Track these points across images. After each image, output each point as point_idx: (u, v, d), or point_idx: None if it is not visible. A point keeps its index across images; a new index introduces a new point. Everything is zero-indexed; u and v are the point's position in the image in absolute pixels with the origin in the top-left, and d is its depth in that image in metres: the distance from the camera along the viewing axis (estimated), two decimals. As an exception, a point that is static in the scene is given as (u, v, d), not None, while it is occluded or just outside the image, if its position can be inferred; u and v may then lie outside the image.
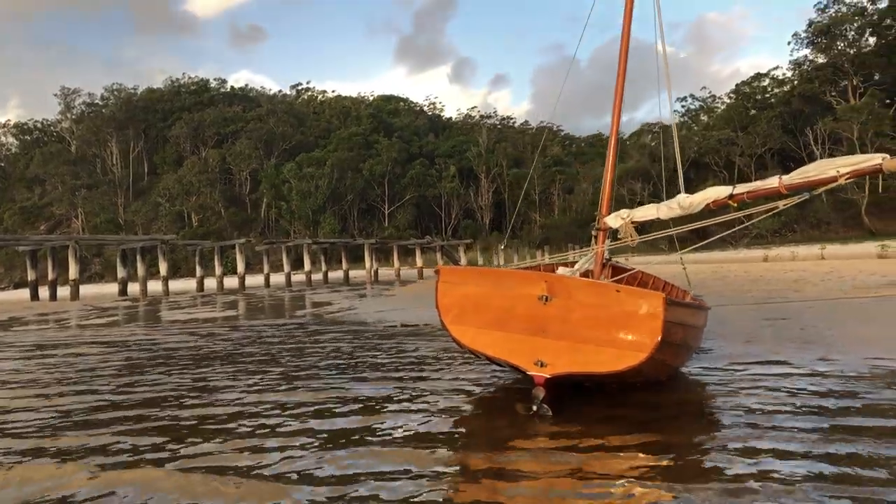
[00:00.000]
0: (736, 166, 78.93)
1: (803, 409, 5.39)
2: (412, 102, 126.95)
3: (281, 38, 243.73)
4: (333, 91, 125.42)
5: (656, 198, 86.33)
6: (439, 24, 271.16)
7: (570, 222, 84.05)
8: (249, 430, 5.31)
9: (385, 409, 5.83)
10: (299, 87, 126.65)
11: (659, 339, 5.28)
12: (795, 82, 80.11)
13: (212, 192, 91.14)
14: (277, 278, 51.95)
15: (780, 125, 75.82)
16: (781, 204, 6.15)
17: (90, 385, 7.80)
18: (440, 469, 4.20)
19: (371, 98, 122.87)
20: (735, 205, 7.15)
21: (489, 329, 5.71)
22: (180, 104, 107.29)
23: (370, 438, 4.92)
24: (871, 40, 72.96)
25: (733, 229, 8.51)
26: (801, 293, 16.02)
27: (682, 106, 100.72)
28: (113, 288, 46.41)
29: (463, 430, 5.23)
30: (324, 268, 52.76)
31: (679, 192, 7.88)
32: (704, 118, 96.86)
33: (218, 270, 45.22)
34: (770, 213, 6.21)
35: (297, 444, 4.85)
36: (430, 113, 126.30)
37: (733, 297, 15.97)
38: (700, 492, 3.66)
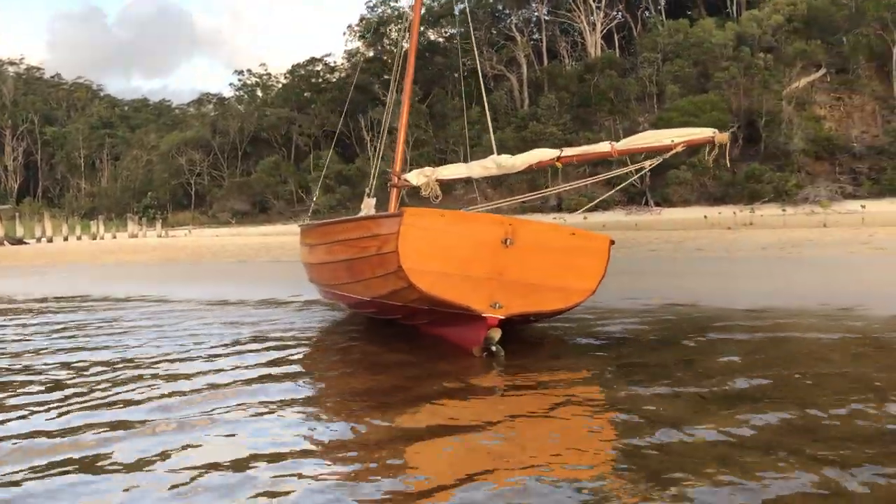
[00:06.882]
0: (294, 143, 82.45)
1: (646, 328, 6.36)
2: None
3: None
4: None
5: (216, 169, 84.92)
6: None
7: (122, 191, 76.63)
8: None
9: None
10: None
11: (602, 276, 5.86)
12: (350, 71, 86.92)
13: None
14: None
15: (337, 109, 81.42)
16: (648, 164, 6.84)
17: None
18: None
19: None
20: (560, 165, 7.67)
21: (449, 273, 5.43)
22: None
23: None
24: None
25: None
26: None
27: (240, 80, 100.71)
28: None
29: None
30: None
31: (493, 154, 8.38)
32: (261, 94, 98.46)
33: None
34: (637, 175, 6.95)
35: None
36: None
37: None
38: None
